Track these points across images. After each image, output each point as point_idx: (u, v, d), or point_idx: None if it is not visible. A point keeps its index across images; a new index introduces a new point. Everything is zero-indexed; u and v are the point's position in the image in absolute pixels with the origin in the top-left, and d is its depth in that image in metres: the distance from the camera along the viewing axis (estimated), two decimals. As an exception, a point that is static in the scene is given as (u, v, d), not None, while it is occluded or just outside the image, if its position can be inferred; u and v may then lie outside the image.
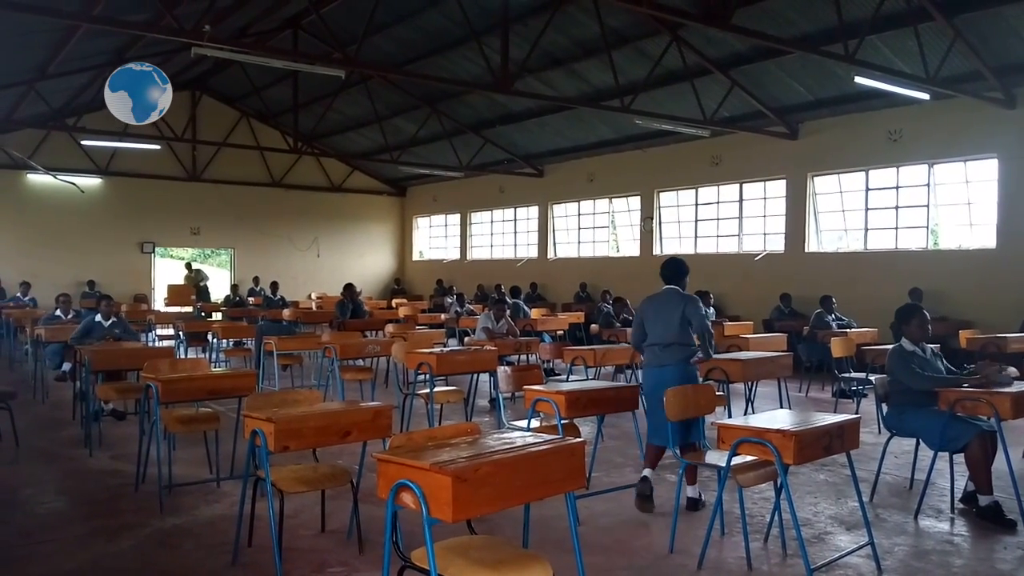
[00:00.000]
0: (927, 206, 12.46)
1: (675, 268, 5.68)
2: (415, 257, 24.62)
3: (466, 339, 10.32)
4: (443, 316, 14.10)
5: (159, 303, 19.78)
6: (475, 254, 22.16)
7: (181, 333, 11.66)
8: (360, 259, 23.58)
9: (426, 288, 22.15)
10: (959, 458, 5.17)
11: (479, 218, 22.12)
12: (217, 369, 9.65)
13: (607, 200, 18.11)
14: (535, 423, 5.07)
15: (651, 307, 5.48)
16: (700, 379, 5.55)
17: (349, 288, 11.56)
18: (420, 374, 6.82)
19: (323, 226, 22.94)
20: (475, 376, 7.99)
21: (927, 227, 12.57)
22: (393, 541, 2.77)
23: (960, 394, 4.93)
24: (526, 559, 2.83)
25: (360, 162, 22.62)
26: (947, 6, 9.77)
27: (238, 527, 4.18)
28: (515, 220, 20.84)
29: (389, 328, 10.85)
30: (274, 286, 16.12)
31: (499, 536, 3.70)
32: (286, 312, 13.46)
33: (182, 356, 10.53)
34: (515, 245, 20.81)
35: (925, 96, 10.71)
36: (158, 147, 18.15)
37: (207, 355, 11.76)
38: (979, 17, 9.88)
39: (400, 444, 2.99)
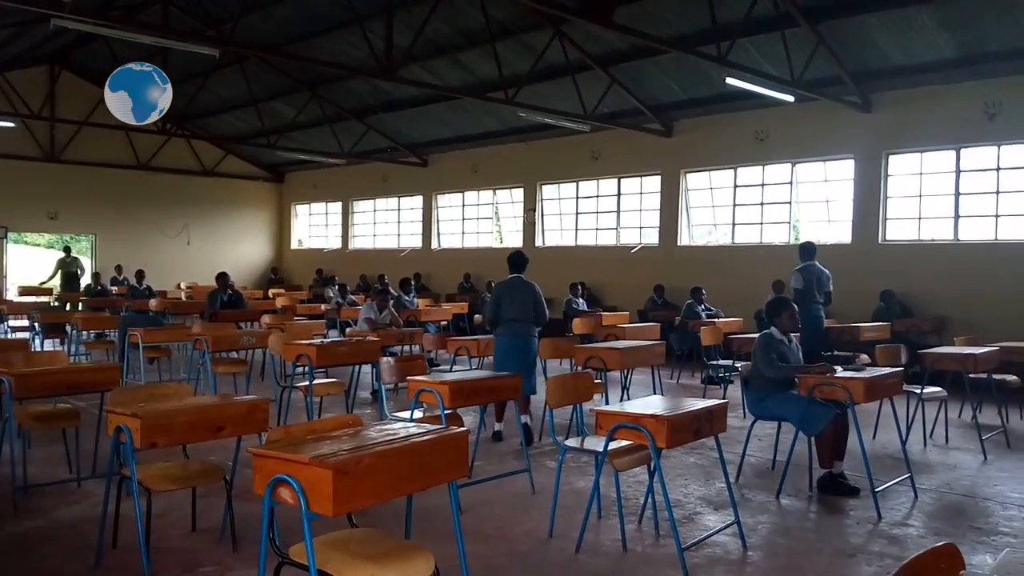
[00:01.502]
0: (789, 203, 13.24)
1: (521, 259, 7.11)
2: (294, 246, 23.93)
3: (348, 330, 10.14)
4: (323, 307, 13.80)
5: (12, 292, 18.34)
6: (358, 243, 21.78)
7: (37, 324, 10.89)
8: (235, 247, 22.69)
9: (305, 278, 21.58)
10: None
11: (362, 207, 21.74)
12: (77, 362, 9.08)
13: (491, 191, 18.21)
14: (418, 414, 5.05)
15: (506, 291, 6.88)
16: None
17: (223, 277, 11.10)
18: (299, 366, 6.65)
19: (194, 212, 21.90)
20: (357, 368, 7.86)
21: (789, 223, 13.36)
22: (270, 537, 2.70)
23: (818, 379, 5.29)
24: (409, 550, 2.82)
25: (235, 146, 21.74)
26: (811, 13, 10.38)
27: (101, 528, 3.95)
28: (399, 209, 20.62)
29: (266, 319, 10.52)
30: (139, 275, 15.25)
31: (381, 528, 3.67)
32: (153, 302, 12.81)
33: (38, 349, 9.82)
34: (399, 235, 20.59)
35: (790, 98, 11.35)
36: (12, 124, 16.74)
37: (65, 348, 11.02)
38: (840, 25, 10.54)
39: (277, 438, 2.92)
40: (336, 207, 22.40)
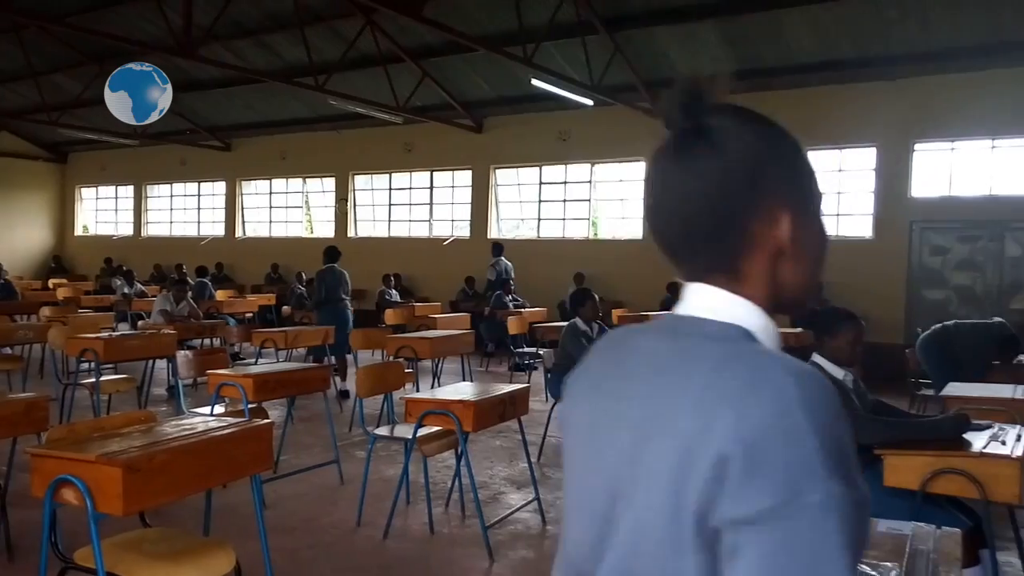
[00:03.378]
0: (589, 200, 14.01)
1: (334, 251, 9.24)
2: (79, 232, 21.91)
3: (140, 323, 9.51)
4: (113, 298, 12.81)
5: None
6: (152, 230, 20.34)
7: None
8: (9, 232, 20.39)
9: (92, 267, 19.85)
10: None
11: (157, 191, 20.32)
12: None
13: (301, 180, 17.71)
14: (220, 409, 4.89)
15: (330, 277, 9.00)
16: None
17: (-7, 266, 10.01)
18: (84, 362, 6.18)
19: (-43, 193, 19.48)
20: (151, 362, 7.42)
21: (589, 219, 14.15)
22: (52, 542, 2.55)
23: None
24: (207, 547, 2.76)
25: (10, 121, 19.52)
26: (610, 22, 11.04)
27: None
28: (199, 195, 19.47)
29: (45, 311, 9.62)
30: None
31: (177, 527, 3.55)
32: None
33: None
34: (199, 222, 19.45)
35: (590, 102, 12.00)
36: None
37: None
38: (636, 35, 11.30)
39: (60, 437, 2.75)
40: (127, 191, 20.77)
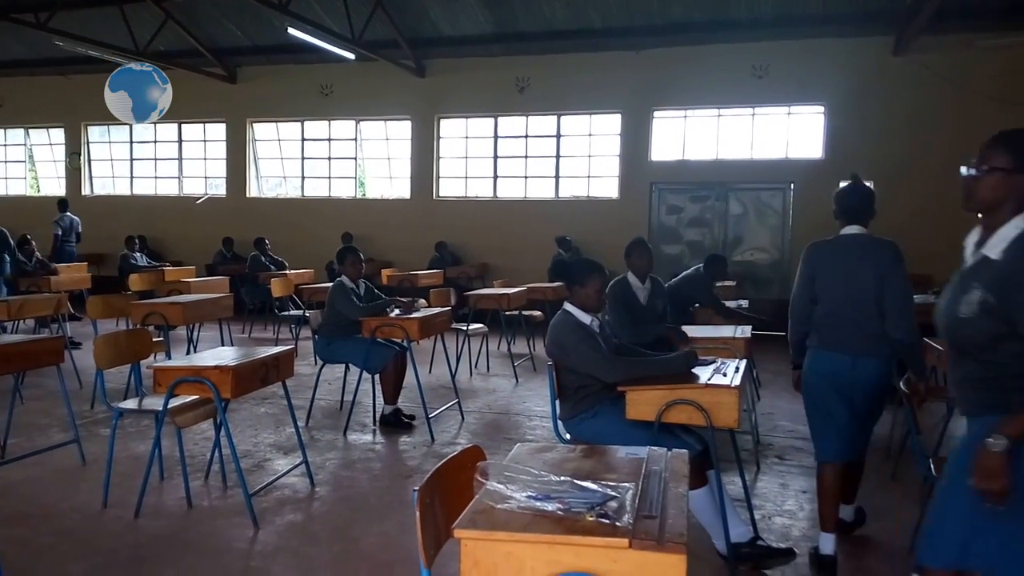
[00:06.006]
0: (355, 159, 13.74)
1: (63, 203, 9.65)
2: None
3: None
4: None
5: None
6: None
7: None
8: None
9: None
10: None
11: None
12: None
13: (23, 130, 15.58)
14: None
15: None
16: None
17: None
18: None
19: None
20: None
21: (356, 178, 13.89)
22: None
23: (380, 321, 5.71)
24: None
25: None
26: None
27: None
28: None
29: None
30: None
31: None
32: None
33: None
34: None
35: (351, 56, 11.70)
36: None
37: None
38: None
39: None
40: None
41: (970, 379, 2.13)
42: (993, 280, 2.02)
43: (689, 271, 6.93)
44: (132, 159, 14.94)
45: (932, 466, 3.23)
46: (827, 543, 3.41)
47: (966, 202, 2.17)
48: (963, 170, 2.17)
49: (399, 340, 5.87)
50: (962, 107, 10.27)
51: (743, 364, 3.65)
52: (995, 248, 2.07)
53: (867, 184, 3.52)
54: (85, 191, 14.96)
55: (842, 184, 3.56)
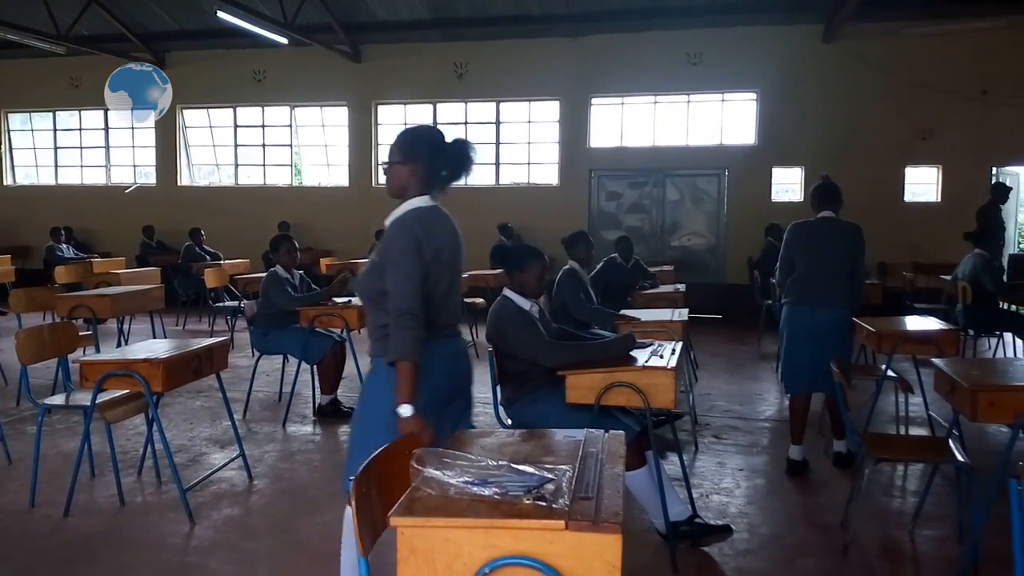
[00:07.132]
0: (291, 146, 13.47)
1: None
2: None
3: None
4: None
5: None
6: None
7: None
8: None
9: None
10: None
11: None
12: None
13: (-68, 117, 14.85)
14: None
15: None
16: None
17: None
18: None
19: None
20: None
21: (292, 165, 13.62)
22: None
23: (318, 311, 5.63)
24: None
25: None
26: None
27: None
28: None
29: None
30: None
31: None
32: None
33: None
34: None
35: (284, 40, 11.43)
36: None
37: None
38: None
39: None
40: None
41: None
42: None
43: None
44: (56, 147, 14.36)
45: (860, 440, 3.34)
46: (796, 452, 4.52)
47: (388, 190, 2.75)
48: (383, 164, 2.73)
49: (338, 330, 5.79)
50: (892, 93, 10.63)
51: (679, 346, 3.71)
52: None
53: (834, 181, 4.56)
54: (7, 181, 14.34)
55: (816, 183, 4.62)
